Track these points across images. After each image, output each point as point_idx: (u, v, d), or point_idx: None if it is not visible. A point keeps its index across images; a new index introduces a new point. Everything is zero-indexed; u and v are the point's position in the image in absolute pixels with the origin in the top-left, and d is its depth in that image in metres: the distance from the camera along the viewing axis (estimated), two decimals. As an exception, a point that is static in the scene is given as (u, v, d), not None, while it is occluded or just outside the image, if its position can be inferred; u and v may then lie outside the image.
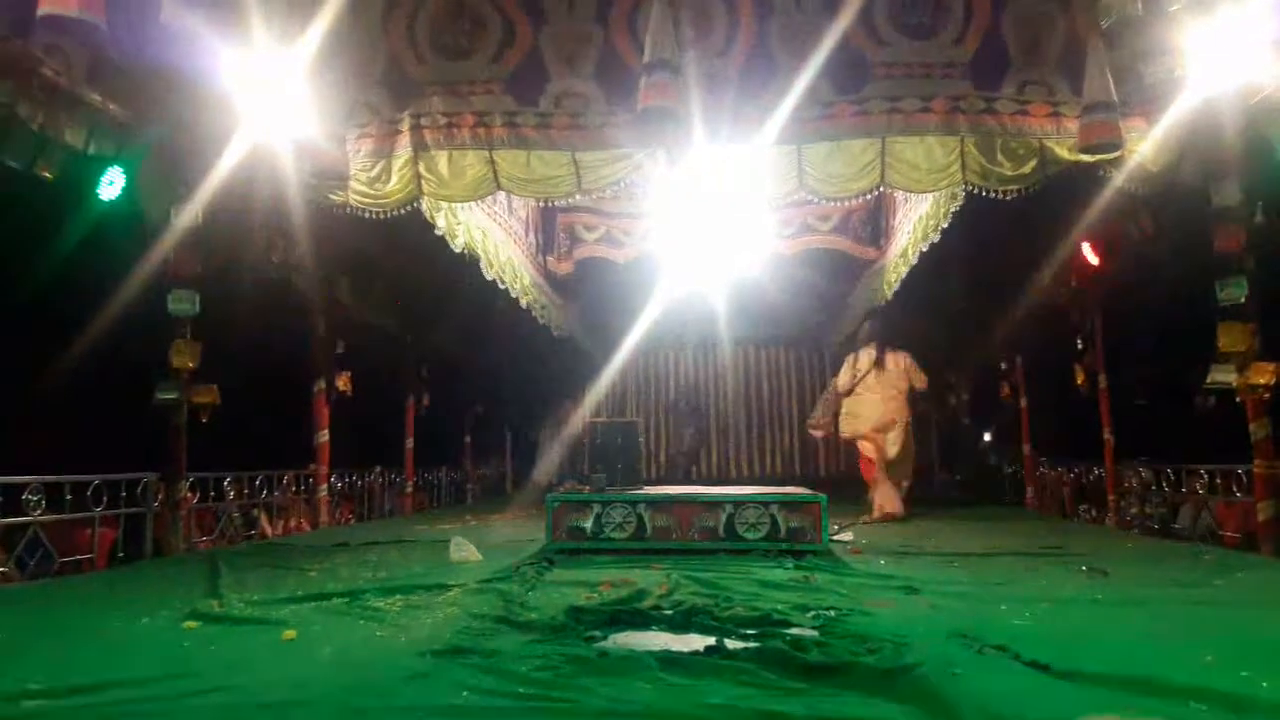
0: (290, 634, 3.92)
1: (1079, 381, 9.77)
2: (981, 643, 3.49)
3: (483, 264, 9.03)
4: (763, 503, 6.47)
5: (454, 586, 5.10)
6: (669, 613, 4.23)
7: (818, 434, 11.58)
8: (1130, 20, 5.82)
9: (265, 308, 8.80)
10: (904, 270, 9.52)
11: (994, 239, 9.13)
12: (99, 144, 6.05)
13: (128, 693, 2.98)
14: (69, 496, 6.43)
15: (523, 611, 4.30)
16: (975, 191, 6.98)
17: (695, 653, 3.42)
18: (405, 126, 6.90)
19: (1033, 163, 6.67)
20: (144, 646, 3.81)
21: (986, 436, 14.16)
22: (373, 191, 7.05)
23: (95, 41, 5.23)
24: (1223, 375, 6.81)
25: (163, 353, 7.24)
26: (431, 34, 6.80)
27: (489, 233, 9.20)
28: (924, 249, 8.62)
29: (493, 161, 7.03)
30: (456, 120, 6.86)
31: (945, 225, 7.99)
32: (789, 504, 6.47)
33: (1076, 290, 9.46)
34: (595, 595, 4.76)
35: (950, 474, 14.77)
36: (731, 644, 3.54)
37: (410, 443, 12.35)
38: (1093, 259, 8.64)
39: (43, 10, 4.79)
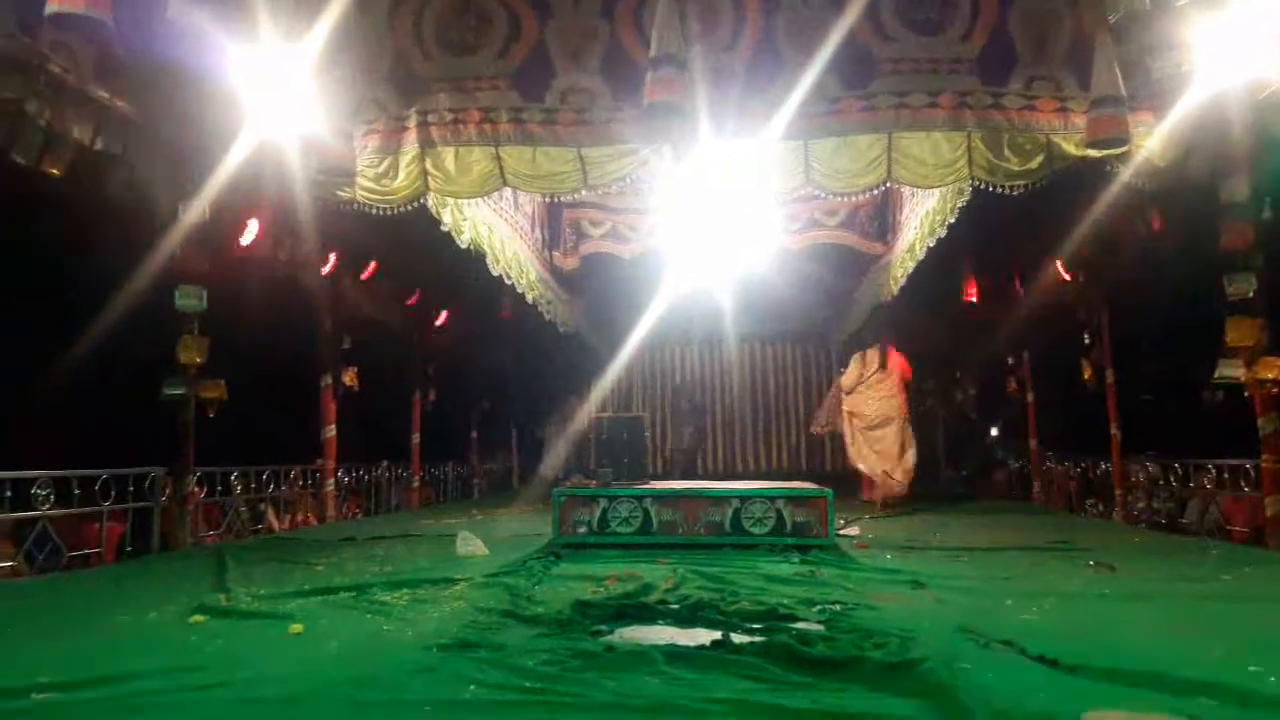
0: (297, 628, 3.94)
1: (1086, 376, 9.75)
2: (988, 637, 3.49)
3: (489, 259, 9.04)
4: (769, 498, 6.47)
5: (460, 581, 5.11)
6: (675, 607, 4.23)
7: (821, 432, 12.54)
8: (1138, 15, 5.79)
9: (272, 303, 8.81)
10: (910, 265, 9.50)
11: (1001, 234, 9.11)
12: (106, 140, 6.06)
13: (135, 686, 2.99)
14: (77, 491, 6.45)
15: (529, 606, 4.31)
16: (982, 187, 6.97)
17: (701, 647, 3.43)
18: (412, 123, 6.90)
19: (1040, 158, 6.65)
20: (151, 640, 3.83)
21: (994, 431, 14.13)
22: (380, 188, 7.05)
23: (103, 38, 5.24)
24: (1230, 370, 6.79)
25: (170, 348, 7.26)
26: (438, 30, 6.79)
27: (495, 228, 9.21)
28: (931, 244, 8.61)
29: (499, 158, 7.04)
30: (463, 116, 6.86)
31: (952, 220, 7.98)
32: (795, 499, 6.47)
33: (1084, 285, 9.44)
34: (601, 590, 4.77)
35: (956, 469, 14.75)
36: (737, 638, 3.55)
37: (417, 438, 12.38)
38: (1098, 254, 8.61)
39: (51, 8, 4.80)
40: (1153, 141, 6.50)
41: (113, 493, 6.74)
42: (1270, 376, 6.64)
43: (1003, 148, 6.71)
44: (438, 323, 12.32)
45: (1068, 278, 9.41)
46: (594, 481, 6.96)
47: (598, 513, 6.56)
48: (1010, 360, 12.01)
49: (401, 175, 7.01)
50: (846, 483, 11.63)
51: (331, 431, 10.07)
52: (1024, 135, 6.64)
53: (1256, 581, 5.04)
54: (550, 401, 15.81)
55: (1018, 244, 9.48)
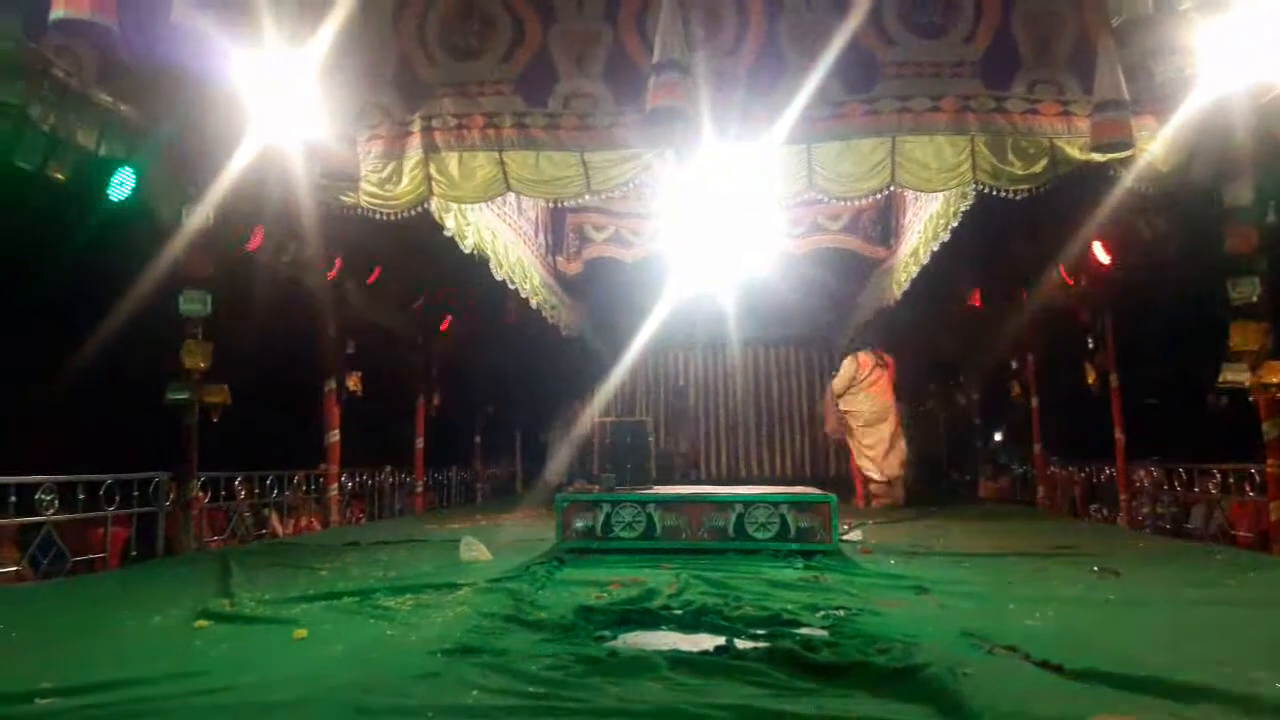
0: (301, 633, 3.94)
1: (1090, 381, 9.74)
2: (992, 643, 3.48)
3: (492, 264, 9.05)
4: (772, 503, 6.46)
5: (464, 585, 5.11)
6: (679, 612, 4.23)
7: (832, 432, 12.76)
8: (1141, 19, 5.78)
9: (276, 308, 8.82)
10: (914, 270, 9.50)
11: (1004, 238, 9.11)
12: (110, 145, 6.07)
13: (139, 691, 2.99)
14: (82, 496, 6.46)
15: (533, 611, 4.31)
16: (986, 191, 6.96)
17: (705, 652, 3.43)
18: (416, 128, 6.91)
19: (1043, 162, 6.65)
20: (156, 645, 3.83)
21: (997, 436, 14.12)
22: (383, 193, 7.06)
23: (107, 43, 5.25)
24: (1235, 374, 6.78)
25: (174, 353, 7.26)
26: (442, 34, 6.80)
27: (498, 233, 9.22)
28: (934, 248, 8.61)
29: (502, 162, 7.05)
30: (466, 121, 6.87)
31: (955, 224, 7.98)
32: (799, 504, 6.46)
33: (1087, 289, 9.43)
34: (605, 595, 4.77)
35: (959, 474, 14.73)
36: (741, 644, 3.55)
37: (420, 442, 12.38)
38: (1104, 258, 8.60)
39: (56, 13, 4.81)
40: (1156, 146, 6.49)
41: (117, 497, 6.74)
42: (1275, 381, 6.62)
43: (1006, 151, 6.71)
44: (441, 328, 12.32)
45: (1070, 282, 9.40)
46: (597, 486, 6.96)
47: (601, 518, 6.55)
48: (1013, 364, 12.00)
49: (405, 180, 7.02)
50: (850, 488, 11.66)
51: (335, 436, 10.07)
52: (1027, 139, 6.64)
53: (1261, 587, 5.03)
54: (553, 406, 15.81)
55: (1021, 248, 9.47)
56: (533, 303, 10.80)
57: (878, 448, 11.17)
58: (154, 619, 4.34)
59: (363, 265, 9.91)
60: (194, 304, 7.23)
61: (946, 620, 4.06)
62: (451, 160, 7.02)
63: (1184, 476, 8.26)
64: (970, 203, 7.56)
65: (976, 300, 11.08)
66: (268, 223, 7.74)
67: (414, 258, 9.73)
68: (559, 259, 11.96)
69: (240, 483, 8.53)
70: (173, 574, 6.16)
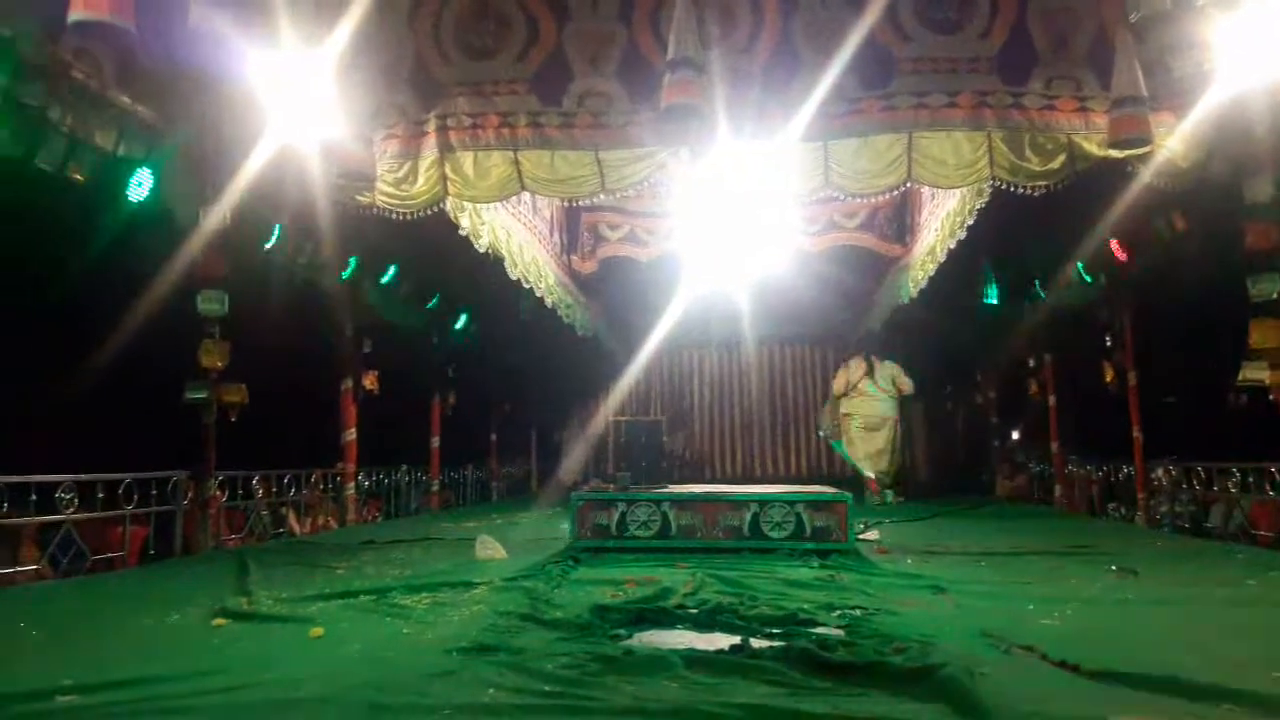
0: (318, 631, 3.96)
1: (1108, 379, 9.68)
2: (1009, 642, 3.47)
3: (507, 263, 9.06)
4: (788, 502, 6.46)
5: (480, 584, 5.12)
6: (694, 611, 4.23)
7: (826, 435, 13.72)
8: (1159, 14, 5.74)
9: (293, 308, 8.86)
10: (931, 268, 9.47)
11: (1021, 236, 9.06)
12: (128, 146, 6.11)
13: (158, 689, 3.01)
14: (101, 495, 6.50)
15: (548, 609, 4.32)
16: (1004, 187, 6.93)
17: (720, 651, 3.43)
18: (431, 127, 6.92)
19: (1061, 158, 6.61)
20: (174, 644, 3.86)
21: (1015, 434, 14.06)
22: (399, 192, 7.08)
23: (125, 44, 5.28)
24: (1255, 372, 6.72)
25: (192, 352, 7.30)
26: (457, 34, 6.81)
27: (513, 232, 9.23)
28: (951, 246, 8.57)
29: (517, 162, 7.06)
30: (481, 121, 6.87)
31: (971, 222, 7.94)
32: (814, 503, 6.46)
33: (1106, 287, 9.37)
34: (620, 593, 4.77)
35: (977, 472, 14.66)
36: (757, 643, 3.54)
37: (436, 441, 12.41)
38: (1122, 255, 8.54)
39: (74, 15, 4.84)
40: (1174, 142, 6.44)
41: (135, 497, 6.78)
42: (1295, 379, 6.57)
43: (1024, 148, 6.68)
44: (457, 326, 12.35)
45: (1089, 279, 9.34)
46: (612, 485, 6.96)
47: (616, 516, 6.56)
48: (1031, 362, 11.94)
49: (421, 180, 7.04)
50: (863, 487, 11.66)
51: (352, 435, 10.11)
52: (1045, 135, 6.60)
53: (1282, 586, 4.99)
54: (568, 405, 15.82)
55: (1038, 245, 9.41)
56: (548, 302, 10.82)
57: (870, 448, 12.28)
58: (172, 617, 4.38)
59: (379, 265, 9.94)
60: (211, 304, 7.27)
61: (963, 620, 4.05)
62: (467, 160, 7.04)
63: (1203, 475, 8.20)
64: (986, 200, 7.53)
65: (993, 298, 11.02)
66: (284, 222, 7.77)
67: (430, 257, 9.75)
68: (574, 258, 11.97)
69: (258, 482, 8.57)
70: (190, 572, 6.20)
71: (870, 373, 12.49)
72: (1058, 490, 11.31)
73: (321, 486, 9.86)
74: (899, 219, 11.34)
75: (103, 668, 3.29)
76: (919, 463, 15.31)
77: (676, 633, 3.90)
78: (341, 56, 6.21)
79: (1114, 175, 6.89)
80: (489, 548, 6.67)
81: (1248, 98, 6.01)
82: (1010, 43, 6.54)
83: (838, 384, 12.84)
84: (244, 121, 6.42)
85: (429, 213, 7.29)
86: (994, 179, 6.84)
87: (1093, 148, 6.50)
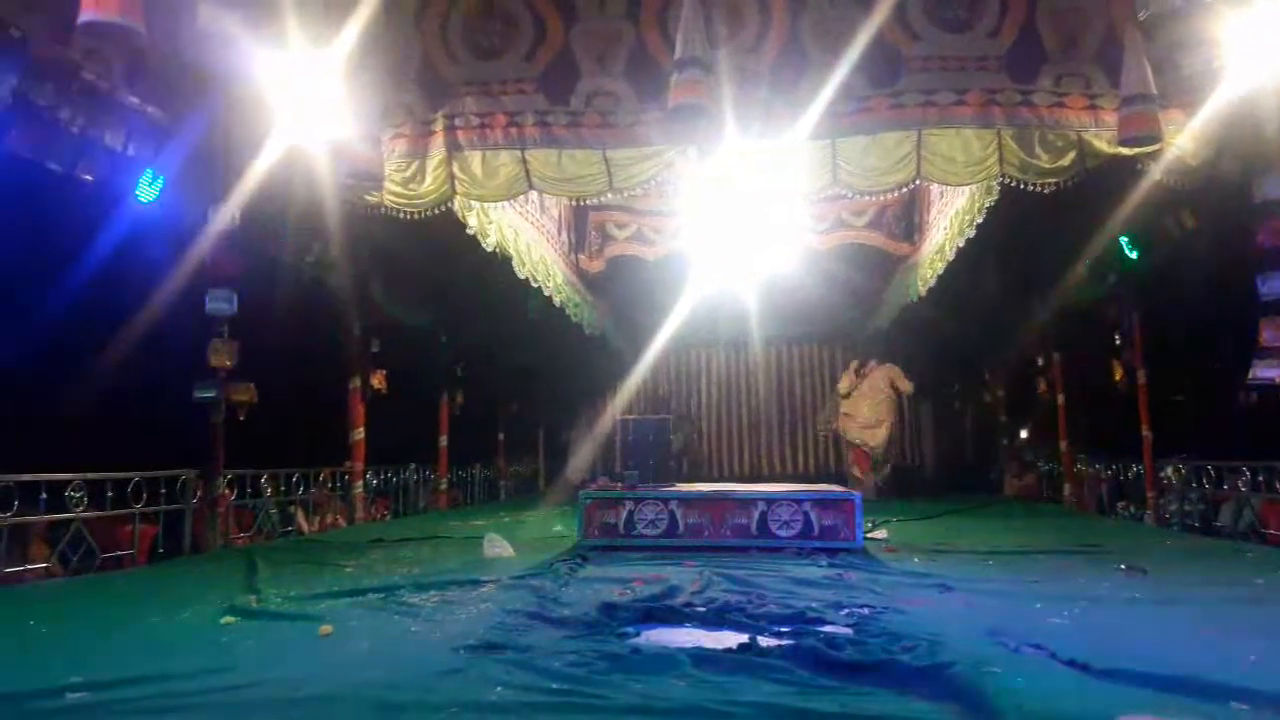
0: (327, 629, 3.97)
1: (1117, 378, 9.64)
2: (1018, 641, 3.46)
3: (514, 263, 9.06)
4: (796, 500, 6.45)
5: (488, 582, 5.13)
6: (702, 610, 4.23)
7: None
8: (1168, 12, 5.72)
9: (301, 307, 8.88)
10: (940, 267, 9.44)
11: (1031, 234, 9.03)
12: (138, 146, 6.14)
13: (167, 686, 3.02)
14: (110, 493, 6.53)
15: (556, 608, 4.32)
16: (1013, 185, 6.91)
17: (728, 650, 3.42)
18: (439, 127, 6.93)
19: (1071, 155, 6.59)
20: (183, 641, 3.87)
21: (1023, 433, 14.03)
22: (407, 192, 7.09)
23: (135, 46, 5.31)
24: (1265, 371, 6.70)
25: (201, 352, 7.32)
26: (464, 34, 6.83)
27: (521, 231, 9.23)
28: (960, 244, 8.55)
29: (525, 161, 7.05)
30: (489, 120, 6.89)
31: (980, 220, 7.92)
32: (822, 502, 6.45)
33: (1115, 285, 9.34)
34: (628, 592, 4.78)
35: (985, 471, 14.64)
36: (765, 641, 3.53)
37: (444, 440, 12.43)
38: (1131, 253, 8.52)
39: (84, 16, 4.86)
40: (1184, 139, 6.42)
41: (145, 495, 6.81)
42: (1305, 377, 6.54)
43: (1034, 145, 6.65)
44: (464, 326, 12.36)
45: (1098, 277, 9.32)
46: (620, 484, 6.96)
47: (624, 515, 6.57)
48: (1040, 361, 11.91)
49: (428, 179, 7.05)
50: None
51: (360, 434, 10.13)
52: (1054, 132, 6.59)
53: (1292, 585, 4.97)
54: (576, 404, 15.82)
55: (1047, 244, 9.39)
56: (556, 301, 10.82)
57: (864, 446, 12.77)
58: (181, 615, 4.39)
59: (387, 264, 9.95)
60: (220, 303, 7.29)
61: (972, 618, 4.03)
62: (474, 159, 7.04)
63: (1212, 474, 8.17)
64: (996, 198, 7.50)
65: (1003, 297, 10.99)
66: (293, 222, 7.79)
67: (438, 256, 9.76)
68: (581, 257, 11.96)
69: (266, 480, 8.59)
70: (199, 571, 6.23)
71: (871, 375, 12.99)
72: (1067, 489, 11.27)
73: (330, 485, 9.88)
74: (907, 217, 11.30)
75: (112, 665, 3.31)
76: (927, 461, 15.31)
77: (684, 631, 3.89)
78: (349, 57, 6.23)
79: (1123, 173, 6.86)
80: (497, 546, 6.68)
81: (1258, 95, 6.00)
82: (1019, 41, 6.53)
83: (843, 385, 13.32)
84: (252, 122, 6.45)
85: (437, 212, 7.30)
86: (1004, 176, 6.82)
87: (1103, 145, 6.48)
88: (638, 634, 3.79)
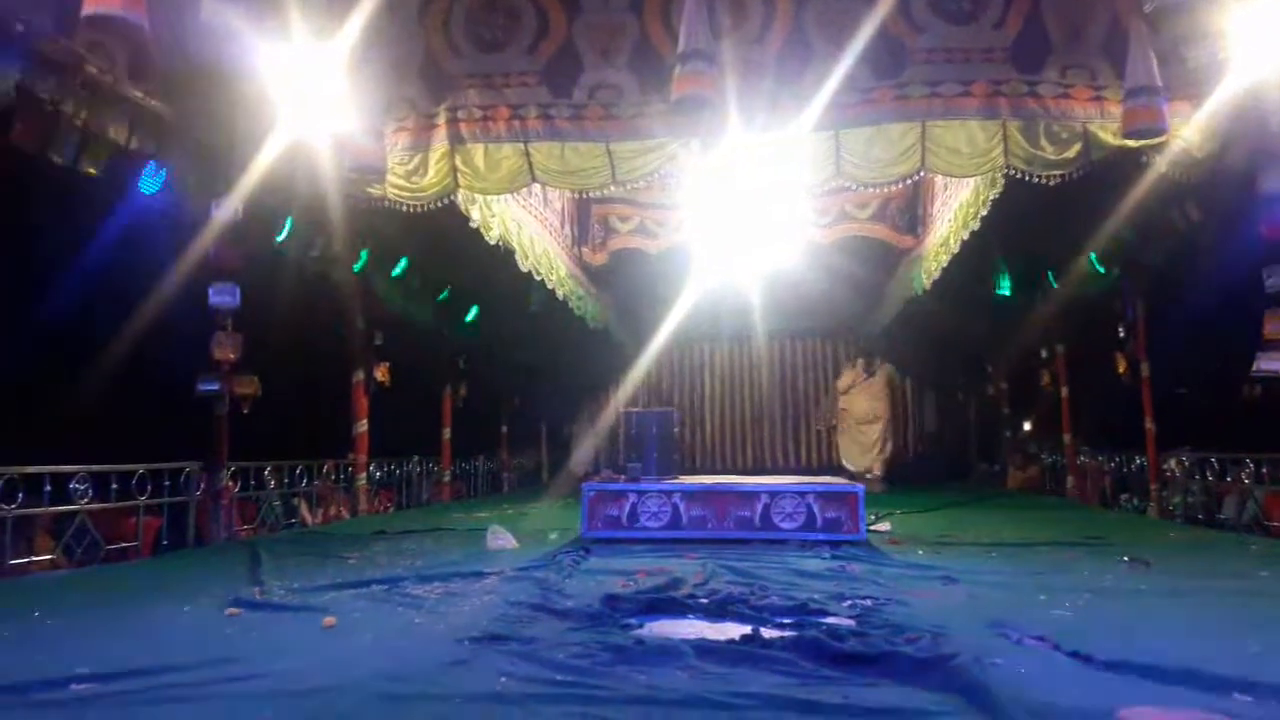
0: (330, 621, 3.98)
1: (1121, 370, 9.63)
2: (1021, 633, 3.46)
3: (518, 256, 9.05)
4: (799, 493, 6.46)
5: (491, 574, 5.14)
6: (705, 601, 4.23)
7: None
8: (1173, 3, 5.71)
9: (305, 300, 8.89)
10: (945, 259, 9.43)
11: (1035, 226, 9.02)
12: (141, 140, 6.13)
13: (172, 678, 3.03)
14: (115, 486, 6.54)
15: (560, 599, 4.33)
16: (1018, 177, 6.89)
17: (731, 641, 3.42)
18: (442, 120, 6.92)
19: (1077, 147, 6.57)
20: (187, 633, 3.88)
21: (1027, 426, 14.03)
22: (410, 185, 7.09)
23: (138, 39, 5.30)
24: (1269, 364, 6.69)
25: (204, 345, 7.33)
26: (467, 27, 6.81)
27: (524, 225, 9.23)
28: (964, 237, 8.53)
29: (528, 154, 7.04)
30: (492, 113, 6.88)
31: (984, 212, 7.90)
32: (826, 494, 6.46)
33: (1119, 277, 9.33)
34: (631, 583, 4.78)
35: (989, 464, 14.65)
36: (768, 633, 3.54)
37: (448, 432, 12.45)
38: (1136, 245, 8.50)
39: (88, 10, 4.86)
40: (1190, 131, 6.40)
41: (149, 487, 6.82)
42: (1310, 370, 6.53)
43: (1039, 136, 6.63)
44: (468, 318, 12.37)
45: (1102, 270, 9.30)
46: (623, 476, 6.97)
47: (627, 507, 6.57)
48: (1043, 353, 11.90)
49: (431, 172, 7.04)
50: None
51: (363, 426, 10.15)
52: (1060, 123, 6.57)
53: (1296, 578, 4.96)
54: (579, 397, 15.83)
55: (1052, 236, 9.37)
56: (559, 294, 10.81)
57: (862, 442, 13.37)
58: (186, 607, 4.40)
59: (390, 257, 9.96)
60: (224, 296, 7.29)
61: (975, 610, 4.04)
62: (477, 152, 7.03)
63: (1216, 466, 8.16)
64: (1000, 190, 7.48)
65: (1006, 289, 10.98)
66: (296, 216, 7.80)
67: (441, 249, 9.76)
68: (584, 250, 11.95)
69: (270, 472, 8.61)
70: (204, 563, 6.24)
71: (868, 373, 13.73)
72: (1070, 481, 11.27)
73: (333, 477, 9.91)
74: (911, 210, 11.29)
75: (117, 656, 3.31)
76: (930, 454, 15.31)
77: (687, 622, 3.90)
78: (352, 50, 6.22)
79: (1128, 165, 6.85)
80: (500, 538, 6.69)
81: (1263, 87, 5.97)
82: (1024, 32, 6.51)
83: (843, 381, 14.06)
84: (256, 115, 6.44)
85: (440, 205, 7.30)
86: (1009, 168, 6.80)
87: (1108, 137, 6.46)
88: (641, 625, 3.80)
